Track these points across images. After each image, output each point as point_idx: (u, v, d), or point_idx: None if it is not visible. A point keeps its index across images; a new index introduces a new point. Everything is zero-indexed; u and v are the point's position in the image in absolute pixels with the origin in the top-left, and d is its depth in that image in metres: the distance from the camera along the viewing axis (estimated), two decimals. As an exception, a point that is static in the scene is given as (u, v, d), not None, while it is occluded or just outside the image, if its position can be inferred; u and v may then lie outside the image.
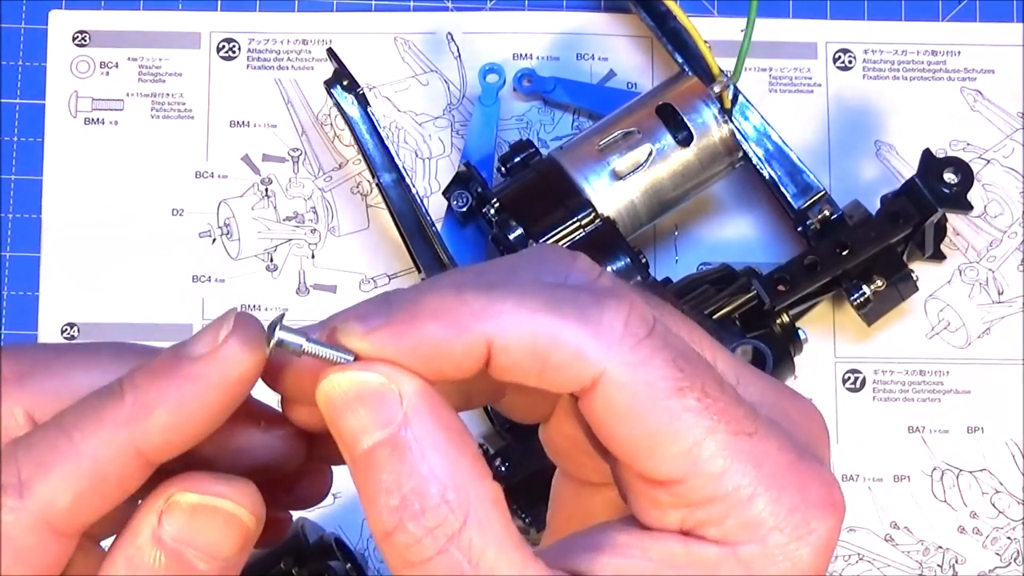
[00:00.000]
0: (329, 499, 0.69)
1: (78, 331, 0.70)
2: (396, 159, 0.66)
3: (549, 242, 0.63)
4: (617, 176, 0.64)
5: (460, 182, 0.67)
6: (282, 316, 0.32)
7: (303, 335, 0.32)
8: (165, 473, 0.33)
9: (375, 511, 0.31)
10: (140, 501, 0.33)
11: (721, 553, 0.32)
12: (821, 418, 0.35)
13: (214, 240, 0.71)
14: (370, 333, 0.32)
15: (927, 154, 0.65)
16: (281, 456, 0.35)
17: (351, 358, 0.32)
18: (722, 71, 0.67)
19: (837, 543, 0.33)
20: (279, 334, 0.32)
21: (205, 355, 0.31)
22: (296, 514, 0.60)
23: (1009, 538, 0.68)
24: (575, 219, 0.63)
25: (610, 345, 0.31)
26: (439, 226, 0.67)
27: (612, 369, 0.31)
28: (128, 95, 0.72)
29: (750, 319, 0.64)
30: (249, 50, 0.73)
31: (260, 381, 0.33)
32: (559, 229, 0.63)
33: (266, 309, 0.70)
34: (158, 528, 0.32)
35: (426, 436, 0.31)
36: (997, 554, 0.67)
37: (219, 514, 0.32)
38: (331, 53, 0.67)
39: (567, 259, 0.34)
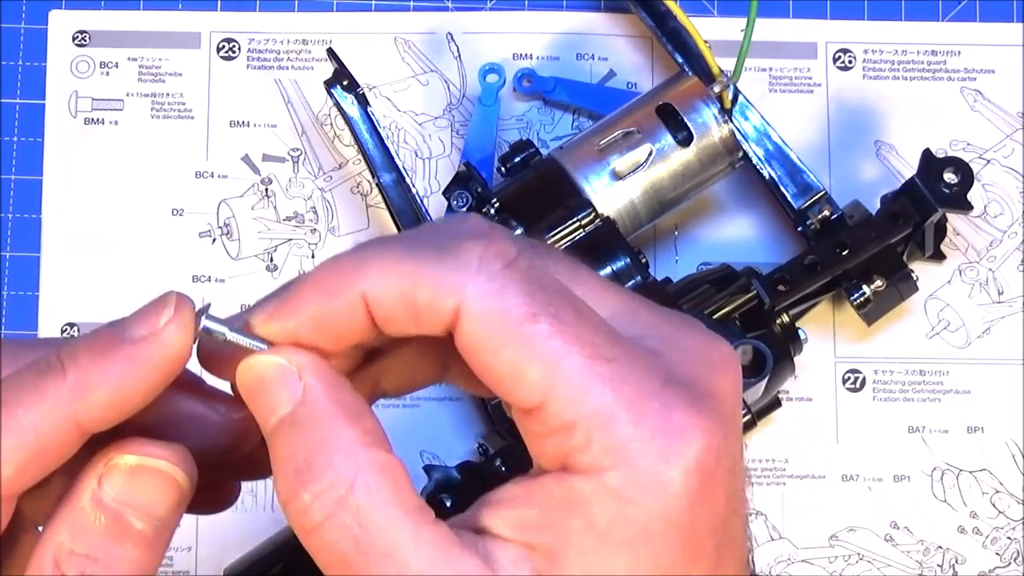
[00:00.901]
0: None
1: (78, 331, 0.70)
2: (396, 159, 0.66)
3: (548, 242, 0.63)
4: (617, 176, 0.64)
5: (460, 182, 0.67)
6: (207, 307, 0.35)
7: (226, 325, 0.35)
8: (99, 443, 0.35)
9: (278, 482, 0.33)
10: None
11: (593, 487, 0.32)
12: (724, 351, 0.36)
13: (214, 240, 0.71)
14: (269, 319, 0.35)
15: (927, 154, 0.65)
16: (238, 437, 0.37)
17: (264, 346, 0.35)
18: (722, 71, 0.67)
19: (721, 471, 0.33)
20: (204, 322, 0.35)
21: (145, 337, 0.34)
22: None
23: (1009, 538, 0.68)
24: (575, 219, 0.63)
25: (465, 278, 0.33)
26: (439, 226, 0.67)
27: (467, 299, 0.33)
28: (128, 95, 0.72)
29: (750, 319, 0.64)
30: (249, 50, 0.73)
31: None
32: (559, 229, 0.63)
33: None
34: (98, 490, 0.34)
35: (320, 409, 0.34)
36: (997, 554, 0.67)
37: (156, 474, 0.34)
38: (331, 53, 0.67)
39: (457, 219, 0.36)
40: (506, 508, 0.33)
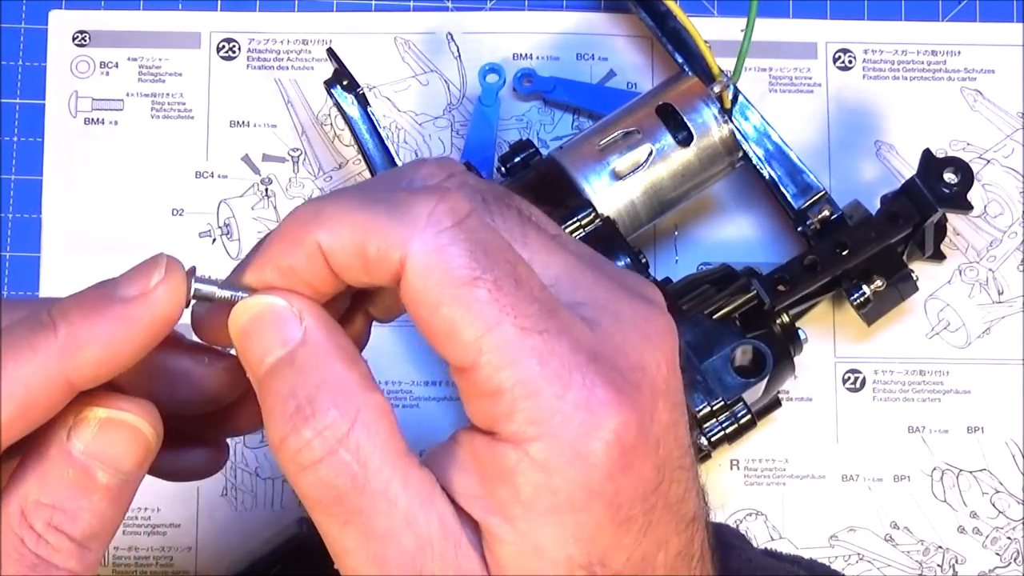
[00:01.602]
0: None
1: (78, 331, 0.70)
2: (396, 159, 0.66)
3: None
4: (617, 176, 0.64)
5: (460, 182, 0.67)
6: (193, 269, 0.36)
7: (214, 284, 0.36)
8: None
9: (272, 421, 0.34)
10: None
11: (518, 456, 0.33)
12: (660, 323, 0.36)
13: (214, 240, 0.71)
14: (247, 269, 0.35)
15: (927, 154, 0.65)
16: (225, 386, 0.38)
17: (249, 296, 0.36)
18: (722, 71, 0.67)
19: (644, 443, 0.34)
20: (194, 284, 0.35)
21: (136, 297, 0.35)
22: (296, 512, 0.60)
23: (1009, 538, 0.68)
24: (575, 219, 0.63)
25: (413, 233, 0.33)
26: (439, 226, 0.67)
27: (412, 254, 0.33)
28: (128, 95, 0.72)
29: (750, 319, 0.64)
30: (249, 50, 0.73)
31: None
32: (559, 229, 0.63)
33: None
34: (67, 443, 0.34)
35: (320, 351, 0.34)
36: (997, 554, 0.67)
37: (124, 428, 0.35)
38: (331, 53, 0.67)
39: (412, 166, 0.37)
40: (455, 471, 0.35)
